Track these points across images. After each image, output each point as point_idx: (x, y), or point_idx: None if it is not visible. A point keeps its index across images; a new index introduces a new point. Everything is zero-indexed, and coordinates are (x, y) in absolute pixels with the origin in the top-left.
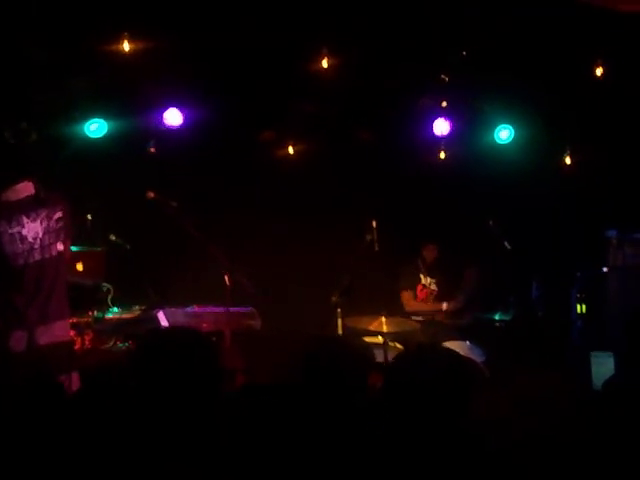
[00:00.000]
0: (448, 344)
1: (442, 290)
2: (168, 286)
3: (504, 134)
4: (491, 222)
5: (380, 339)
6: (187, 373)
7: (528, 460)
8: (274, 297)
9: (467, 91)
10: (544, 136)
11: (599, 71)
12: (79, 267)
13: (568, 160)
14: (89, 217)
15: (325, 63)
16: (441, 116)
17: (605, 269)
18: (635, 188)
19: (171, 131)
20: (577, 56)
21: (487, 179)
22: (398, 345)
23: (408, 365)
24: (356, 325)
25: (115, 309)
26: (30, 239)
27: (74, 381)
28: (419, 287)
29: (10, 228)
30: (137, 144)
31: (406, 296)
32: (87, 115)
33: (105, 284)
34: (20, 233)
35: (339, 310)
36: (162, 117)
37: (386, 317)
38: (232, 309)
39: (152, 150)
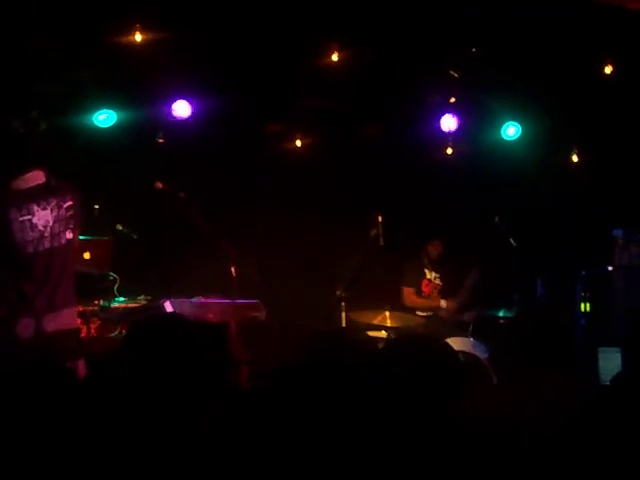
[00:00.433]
0: (451, 340)
1: (446, 285)
2: (174, 276)
3: (511, 131)
4: (497, 219)
5: (384, 333)
6: (192, 361)
7: (533, 457)
8: (279, 289)
9: (475, 88)
10: (551, 134)
11: (608, 69)
12: (86, 256)
13: (575, 158)
14: (97, 207)
15: (334, 57)
16: (449, 112)
17: (610, 268)
18: None
19: (179, 122)
20: (585, 54)
21: (493, 176)
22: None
23: (392, 355)
24: (360, 319)
25: (121, 298)
26: (40, 227)
27: (80, 368)
28: (424, 282)
29: (20, 216)
30: (146, 135)
31: (407, 292)
32: (96, 105)
33: (112, 273)
34: (30, 221)
35: (343, 304)
36: (171, 108)
37: (390, 312)
38: (238, 301)
39: (160, 141)
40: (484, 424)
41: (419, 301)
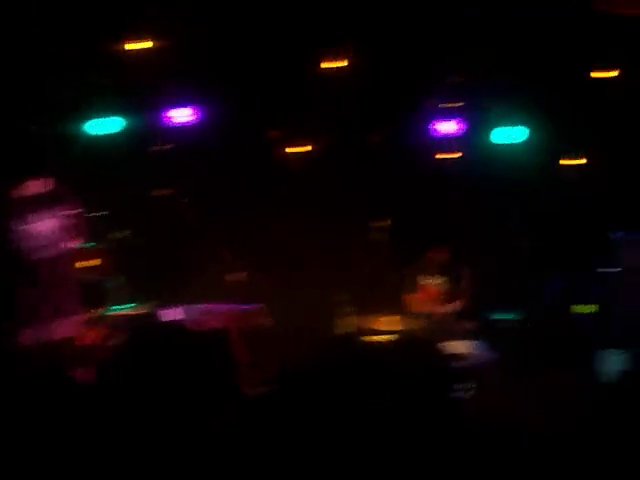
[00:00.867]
0: (457, 343)
1: (452, 289)
2: (177, 283)
3: (515, 135)
4: (510, 224)
5: (389, 338)
6: (192, 368)
7: (538, 457)
8: (283, 295)
9: (478, 92)
10: (556, 137)
11: (610, 74)
12: (89, 263)
13: (578, 161)
14: (99, 213)
15: (339, 65)
16: (454, 117)
17: (617, 269)
18: None
19: (182, 129)
20: (588, 59)
21: (498, 180)
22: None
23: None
24: (365, 324)
25: (124, 305)
26: (43, 235)
27: (83, 375)
28: (429, 287)
29: (24, 224)
30: (149, 141)
31: (414, 299)
32: (100, 112)
33: (114, 280)
34: (35, 229)
35: (348, 308)
36: (173, 115)
37: (395, 316)
38: (242, 307)
39: (164, 147)
40: (489, 425)
41: (425, 307)
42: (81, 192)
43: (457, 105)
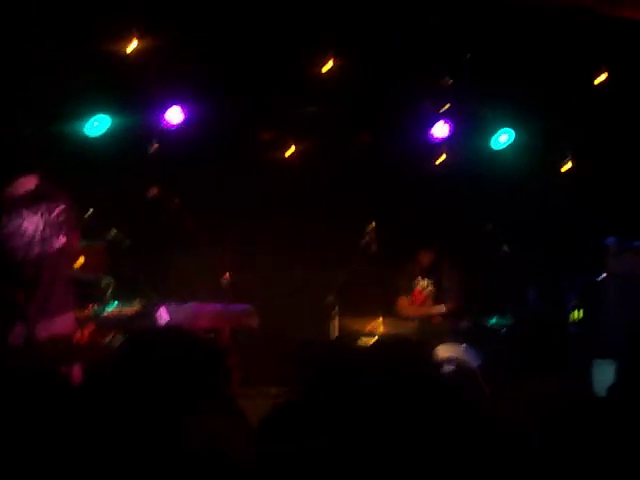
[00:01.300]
0: (444, 347)
1: (440, 291)
2: (168, 282)
3: (503, 138)
4: (490, 226)
5: (375, 340)
6: (187, 375)
7: (524, 465)
8: (272, 296)
9: (468, 95)
10: (544, 141)
11: (601, 78)
12: (80, 261)
13: (568, 166)
14: (90, 211)
15: (328, 65)
16: (441, 119)
17: (603, 276)
18: (635, 196)
19: (173, 129)
20: (579, 63)
21: (486, 183)
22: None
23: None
24: (352, 326)
25: (115, 303)
26: (30, 233)
27: (75, 373)
28: (416, 290)
29: (10, 222)
30: (139, 141)
31: (401, 302)
32: (90, 112)
33: (105, 278)
34: (20, 227)
35: (335, 310)
36: (164, 115)
37: (382, 319)
38: (231, 307)
39: (154, 148)
40: (479, 429)
41: (413, 310)
42: (72, 191)
43: (446, 108)
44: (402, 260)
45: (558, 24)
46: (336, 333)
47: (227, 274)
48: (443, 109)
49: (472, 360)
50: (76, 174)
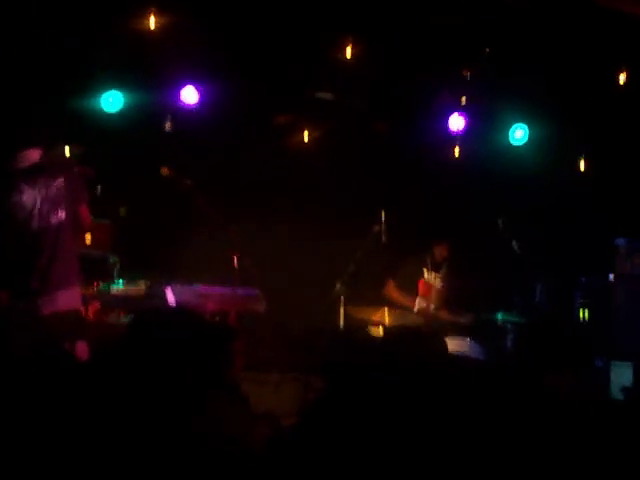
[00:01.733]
0: (448, 340)
1: (447, 286)
2: (176, 262)
3: (519, 134)
4: (500, 221)
5: (381, 330)
6: (195, 359)
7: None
8: (279, 281)
9: (485, 89)
10: (559, 139)
11: (622, 77)
12: (87, 238)
13: (582, 164)
14: (99, 188)
15: (348, 52)
16: (458, 112)
17: (611, 276)
18: None
19: (188, 109)
20: (599, 61)
21: (499, 178)
22: None
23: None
24: (358, 315)
25: (121, 282)
26: (28, 207)
27: (80, 350)
28: (421, 282)
29: (11, 196)
30: (154, 119)
31: (389, 284)
32: (106, 87)
33: (112, 257)
34: (20, 201)
35: (342, 298)
36: (179, 94)
37: (389, 309)
38: (238, 290)
39: (168, 126)
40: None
41: (395, 295)
42: (85, 166)
43: (464, 101)
44: (411, 251)
45: (577, 21)
46: (342, 322)
47: (236, 257)
48: (461, 102)
49: (476, 354)
50: (89, 149)
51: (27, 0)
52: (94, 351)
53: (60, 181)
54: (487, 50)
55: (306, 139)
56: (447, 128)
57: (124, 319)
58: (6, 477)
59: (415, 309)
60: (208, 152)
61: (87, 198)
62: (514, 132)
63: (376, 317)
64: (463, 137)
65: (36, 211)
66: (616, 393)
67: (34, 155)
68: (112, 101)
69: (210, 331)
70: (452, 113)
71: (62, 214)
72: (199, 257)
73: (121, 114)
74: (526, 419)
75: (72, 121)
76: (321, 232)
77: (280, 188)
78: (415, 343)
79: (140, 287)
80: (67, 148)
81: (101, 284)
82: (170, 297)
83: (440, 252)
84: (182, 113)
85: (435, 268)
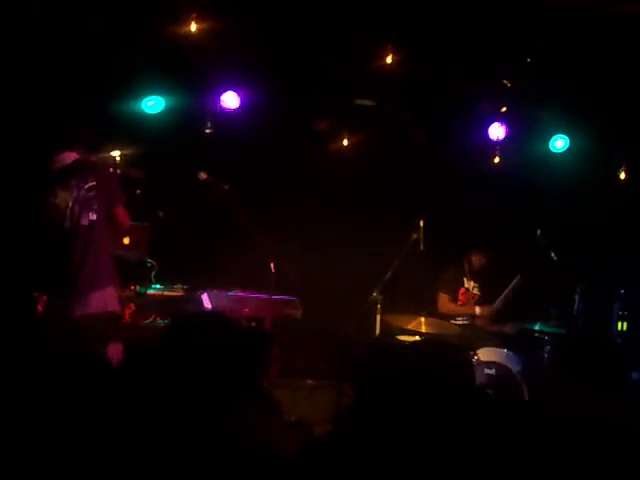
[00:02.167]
0: (486, 350)
1: (485, 295)
2: (212, 268)
3: (559, 143)
4: (539, 231)
5: (417, 339)
6: (230, 364)
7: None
8: (316, 288)
9: (526, 98)
10: (600, 149)
11: None
12: (125, 241)
13: (623, 175)
14: (138, 192)
15: (388, 60)
16: (498, 121)
17: None
18: None
19: (228, 114)
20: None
21: (539, 187)
22: None
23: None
24: (394, 323)
25: (158, 285)
26: (61, 208)
27: (113, 352)
28: (461, 290)
29: (47, 198)
30: (193, 124)
31: (442, 297)
32: (146, 91)
33: (149, 260)
34: (53, 203)
35: (379, 306)
36: (220, 99)
37: (425, 317)
38: (275, 297)
39: (208, 131)
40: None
41: (453, 307)
42: (134, 168)
43: (503, 110)
44: (449, 260)
45: (619, 30)
46: (378, 330)
47: (273, 264)
48: (501, 111)
49: (513, 365)
50: (129, 152)
51: (74, 6)
52: (128, 354)
53: (92, 183)
54: (528, 59)
55: (345, 146)
56: (486, 137)
57: (160, 322)
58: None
59: (477, 312)
60: (247, 157)
61: (124, 199)
62: (554, 142)
63: (412, 325)
64: (502, 146)
65: (68, 212)
66: None
67: (69, 157)
68: (153, 104)
69: (246, 336)
70: (492, 122)
71: (93, 216)
72: (236, 262)
73: (161, 117)
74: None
75: (113, 123)
76: (359, 239)
77: (318, 194)
78: (439, 355)
79: (177, 291)
80: (117, 151)
81: (138, 287)
82: (206, 302)
83: (478, 261)
84: (222, 117)
85: (473, 277)
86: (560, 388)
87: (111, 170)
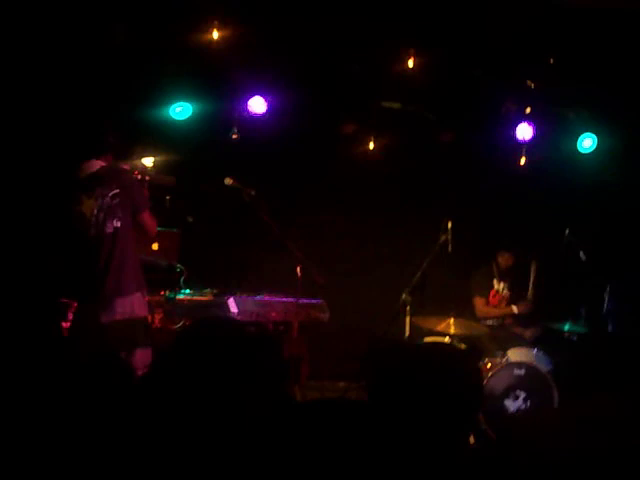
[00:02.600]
0: (515, 351)
1: (515, 293)
2: (240, 272)
3: (587, 143)
4: (567, 231)
5: (447, 340)
6: (241, 370)
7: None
8: (345, 291)
9: (552, 98)
10: (628, 148)
11: None
12: (154, 246)
13: None
14: (167, 198)
15: (411, 62)
16: (524, 121)
17: None
18: None
19: (254, 119)
20: None
21: (567, 187)
22: (463, 346)
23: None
24: (423, 324)
25: (187, 291)
26: (87, 216)
27: (138, 357)
28: (492, 292)
29: (72, 206)
30: (220, 129)
31: (478, 302)
32: (173, 98)
33: (179, 265)
34: (79, 211)
35: (408, 308)
36: (247, 104)
37: (455, 319)
38: (302, 300)
39: (235, 136)
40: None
41: (490, 310)
42: (165, 175)
43: (528, 110)
44: (478, 261)
45: None
46: (407, 331)
47: (299, 267)
48: (525, 112)
49: (543, 365)
50: (156, 159)
51: (101, 15)
52: (155, 360)
53: (115, 190)
54: (551, 60)
55: (372, 149)
56: (514, 137)
57: None
58: None
59: (515, 311)
60: (274, 162)
61: (149, 206)
62: (582, 141)
63: (442, 327)
64: (530, 146)
65: (93, 220)
66: None
67: (95, 165)
68: (180, 111)
69: (249, 343)
70: (518, 122)
71: (117, 223)
72: (262, 267)
73: (189, 123)
74: None
75: (141, 130)
76: (387, 241)
77: (345, 198)
78: (442, 359)
79: (206, 296)
80: (149, 158)
81: (167, 292)
82: (233, 307)
83: (504, 260)
84: (249, 123)
85: (502, 277)
86: (590, 389)
87: (136, 177)
